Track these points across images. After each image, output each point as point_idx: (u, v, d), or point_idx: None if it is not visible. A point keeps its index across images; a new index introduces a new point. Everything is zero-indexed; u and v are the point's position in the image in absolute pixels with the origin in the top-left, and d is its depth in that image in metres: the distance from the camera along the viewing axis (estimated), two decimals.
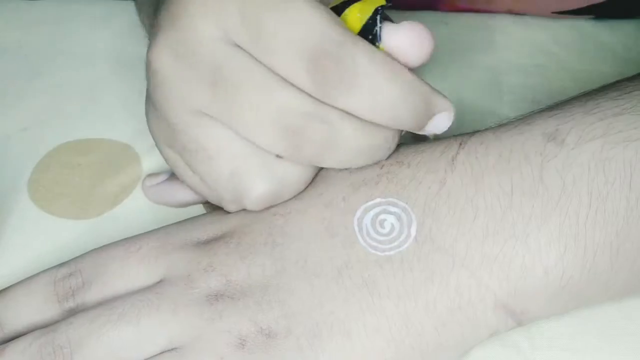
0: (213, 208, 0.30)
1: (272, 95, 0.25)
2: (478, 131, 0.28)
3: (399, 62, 0.25)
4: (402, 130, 0.27)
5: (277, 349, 0.26)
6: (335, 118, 0.25)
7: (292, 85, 0.25)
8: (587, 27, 0.41)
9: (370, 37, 0.26)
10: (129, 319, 0.26)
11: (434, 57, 0.39)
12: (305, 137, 0.26)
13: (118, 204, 0.34)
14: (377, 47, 0.26)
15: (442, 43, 0.40)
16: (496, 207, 0.26)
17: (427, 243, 0.26)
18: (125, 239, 0.29)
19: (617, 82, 0.29)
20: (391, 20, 0.26)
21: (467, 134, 0.28)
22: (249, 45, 0.25)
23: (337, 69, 0.24)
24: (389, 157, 0.28)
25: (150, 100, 0.28)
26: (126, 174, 0.35)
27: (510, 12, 0.42)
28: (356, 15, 0.26)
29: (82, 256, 0.29)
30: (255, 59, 0.25)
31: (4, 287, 0.29)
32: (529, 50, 0.40)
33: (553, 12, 0.41)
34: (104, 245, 0.29)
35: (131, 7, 0.41)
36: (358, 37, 0.25)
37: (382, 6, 0.26)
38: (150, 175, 0.34)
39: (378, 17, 0.26)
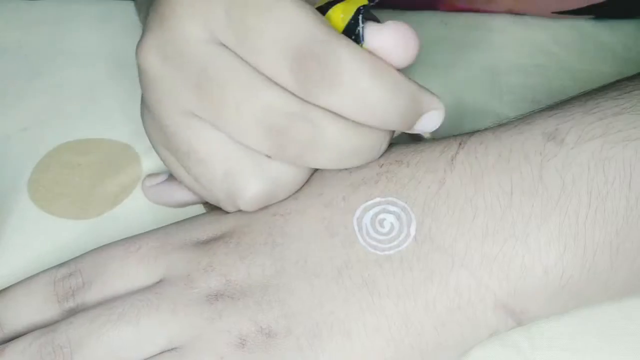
0: (213, 208, 0.30)
1: (257, 94, 0.25)
2: (478, 131, 0.28)
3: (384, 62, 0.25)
4: (393, 130, 0.27)
5: (277, 349, 0.26)
6: (320, 118, 0.25)
7: (277, 85, 0.25)
8: (587, 27, 0.41)
9: (353, 37, 0.25)
10: (128, 318, 0.26)
11: (433, 58, 0.39)
12: (289, 137, 0.26)
13: (118, 204, 0.34)
14: (361, 47, 0.25)
15: (442, 43, 0.41)
16: (496, 207, 0.26)
17: (427, 242, 0.26)
18: (125, 239, 0.29)
19: (617, 81, 0.29)
20: (377, 20, 0.26)
21: (467, 133, 0.28)
22: (235, 45, 0.25)
23: (319, 67, 0.24)
24: (388, 156, 0.28)
25: (143, 101, 0.28)
26: (126, 174, 0.35)
27: (510, 12, 0.42)
28: (339, 16, 0.26)
29: (81, 256, 0.29)
30: (242, 59, 0.25)
31: (4, 287, 0.29)
32: (529, 50, 0.40)
33: (553, 12, 0.41)
34: (103, 245, 0.29)
35: (131, 7, 0.41)
36: (343, 36, 0.25)
37: (364, 6, 0.25)
38: (149, 175, 0.34)
39: (360, 17, 0.25)
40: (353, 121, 0.26)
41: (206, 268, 0.27)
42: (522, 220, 0.26)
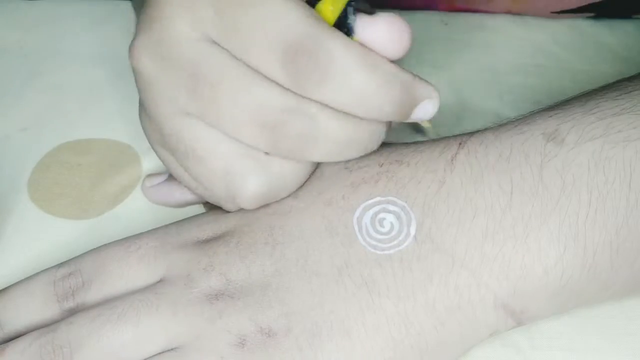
0: (212, 208, 0.30)
1: (250, 91, 0.25)
2: (478, 131, 0.28)
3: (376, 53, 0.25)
4: (390, 121, 0.27)
5: (277, 348, 0.26)
6: (314, 111, 0.25)
7: (270, 80, 0.25)
8: (586, 26, 0.41)
9: (344, 30, 0.25)
10: (128, 318, 0.26)
11: (433, 58, 0.39)
12: (284, 132, 0.25)
13: (118, 204, 0.34)
14: (353, 40, 0.25)
15: (442, 43, 0.41)
16: (496, 207, 0.26)
17: (427, 242, 0.26)
18: (125, 238, 0.29)
19: (617, 82, 0.29)
20: (370, 11, 0.25)
21: (467, 133, 0.28)
22: (225, 42, 0.25)
23: (310, 60, 0.24)
24: (389, 156, 0.28)
25: (141, 102, 0.28)
26: (126, 174, 0.35)
27: (510, 12, 0.42)
28: (329, 9, 0.25)
29: (81, 256, 0.29)
30: (233, 56, 0.25)
31: (4, 287, 0.29)
32: (528, 50, 0.40)
33: (552, 12, 0.41)
34: (103, 245, 0.29)
35: (131, 8, 0.41)
36: (333, 29, 0.25)
37: None
38: (149, 175, 0.34)
39: (351, 10, 0.25)
40: (349, 113, 0.25)
41: (206, 268, 0.27)
42: (522, 220, 0.26)
